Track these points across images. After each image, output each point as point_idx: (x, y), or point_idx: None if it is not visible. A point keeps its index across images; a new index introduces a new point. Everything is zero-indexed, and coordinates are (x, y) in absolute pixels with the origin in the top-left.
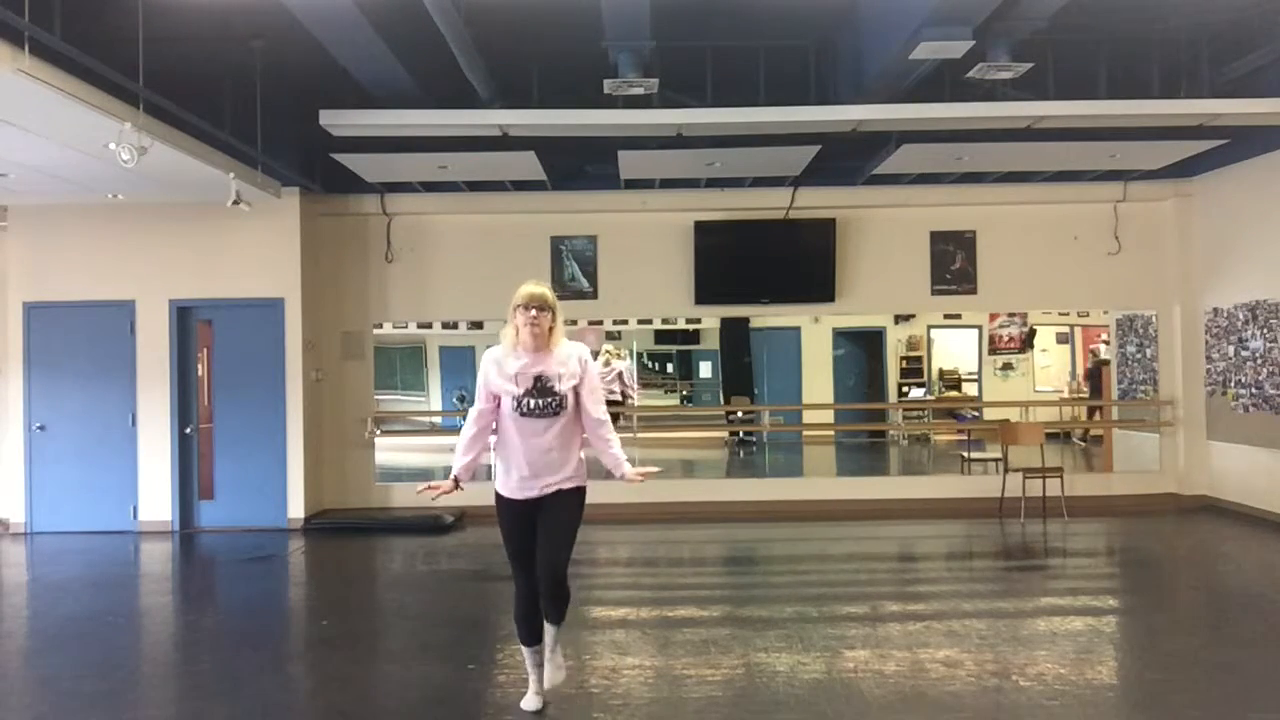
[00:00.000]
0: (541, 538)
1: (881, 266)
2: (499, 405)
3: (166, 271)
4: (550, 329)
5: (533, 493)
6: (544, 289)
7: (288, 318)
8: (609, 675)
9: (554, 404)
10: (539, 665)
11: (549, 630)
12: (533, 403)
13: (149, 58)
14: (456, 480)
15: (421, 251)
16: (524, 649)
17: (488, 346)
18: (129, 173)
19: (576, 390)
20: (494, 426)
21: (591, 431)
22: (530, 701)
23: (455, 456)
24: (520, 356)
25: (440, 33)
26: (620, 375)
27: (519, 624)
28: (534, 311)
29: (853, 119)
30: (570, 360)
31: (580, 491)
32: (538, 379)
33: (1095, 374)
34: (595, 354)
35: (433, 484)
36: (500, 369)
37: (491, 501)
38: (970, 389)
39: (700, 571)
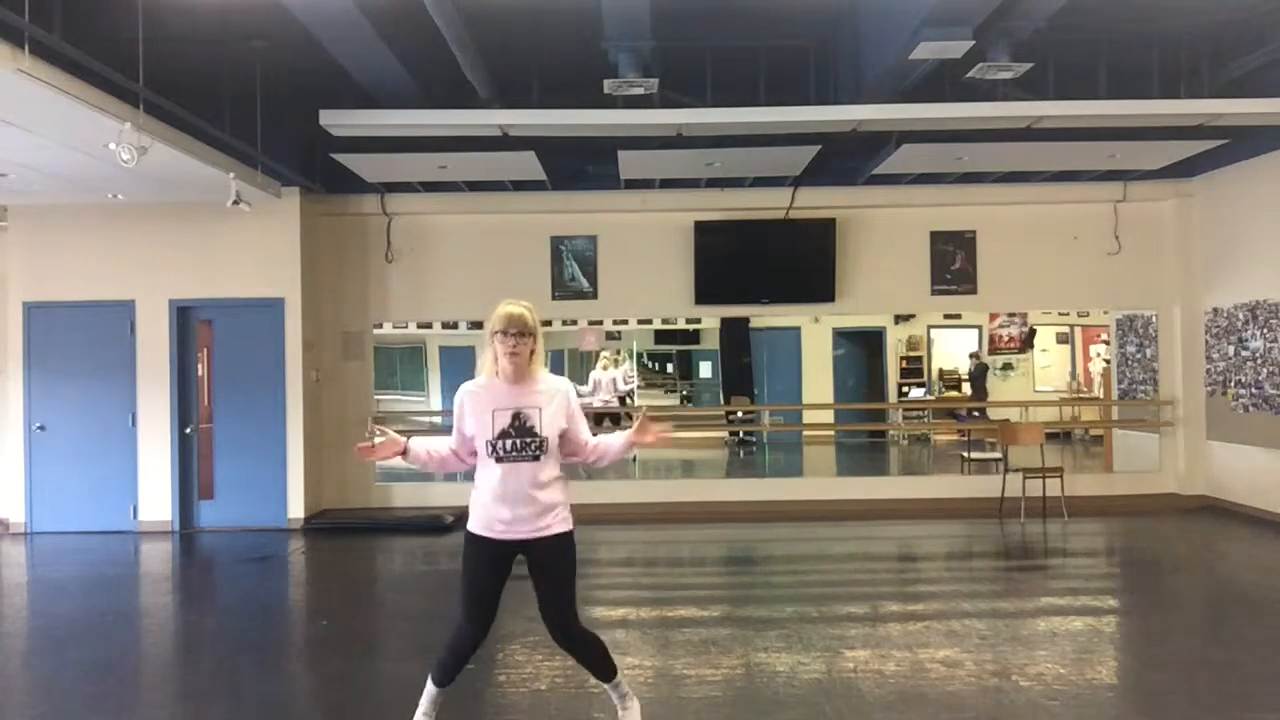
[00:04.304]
0: (546, 596)
1: (881, 266)
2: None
3: (166, 271)
4: (531, 353)
5: (516, 536)
6: (523, 309)
7: (288, 318)
8: None
9: (534, 446)
10: (434, 710)
11: (610, 689)
12: (509, 444)
13: (149, 58)
14: (407, 449)
15: (421, 251)
16: (429, 686)
17: (464, 385)
18: (129, 173)
19: (561, 433)
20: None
21: (584, 454)
22: None
23: (425, 441)
24: (497, 387)
25: (440, 33)
26: (615, 381)
27: (447, 656)
28: (513, 339)
29: (853, 119)
30: (554, 399)
31: (570, 535)
32: (516, 416)
33: (977, 377)
34: (596, 355)
35: (371, 443)
36: (476, 404)
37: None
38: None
39: (700, 571)
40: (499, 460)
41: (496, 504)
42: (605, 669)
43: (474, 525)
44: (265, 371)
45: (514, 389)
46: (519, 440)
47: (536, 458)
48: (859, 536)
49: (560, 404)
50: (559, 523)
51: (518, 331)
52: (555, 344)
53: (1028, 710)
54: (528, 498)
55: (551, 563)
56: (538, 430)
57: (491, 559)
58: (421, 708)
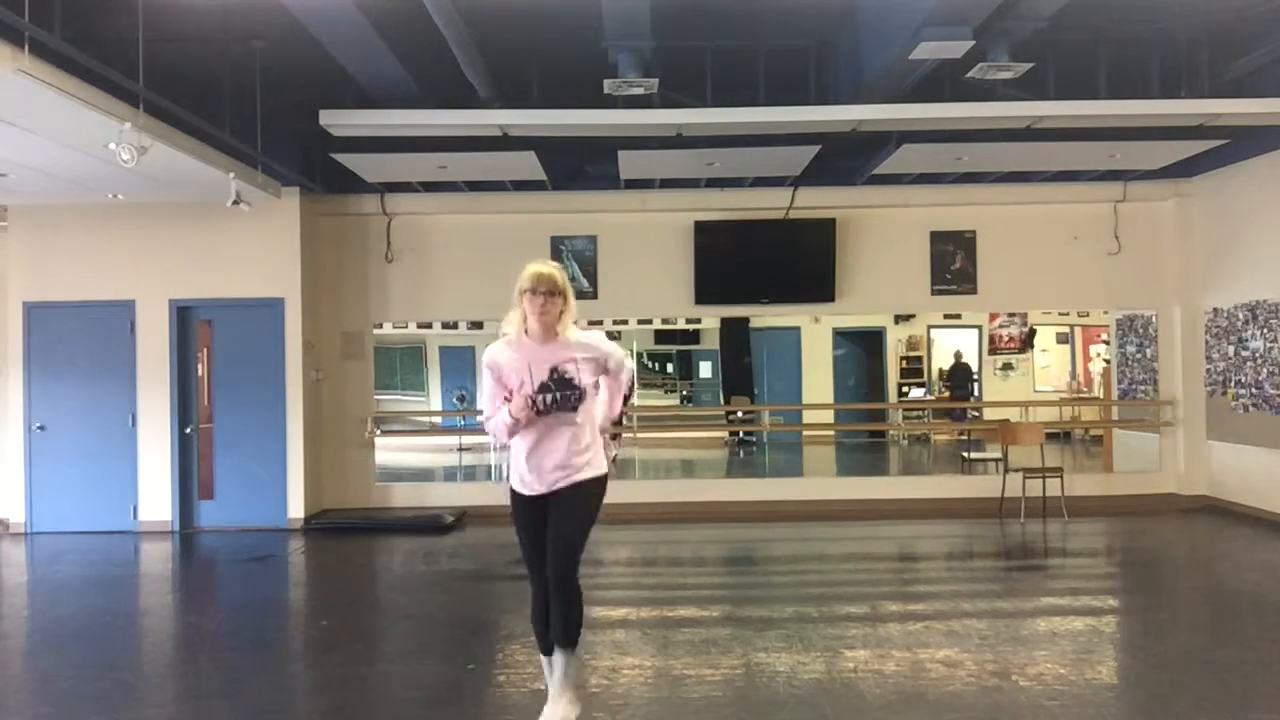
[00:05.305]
0: (552, 525)
1: (881, 266)
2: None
3: (166, 271)
4: (561, 313)
5: (554, 486)
6: (552, 269)
7: (288, 318)
8: (609, 675)
9: (574, 398)
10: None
11: (559, 658)
12: (549, 398)
13: (149, 58)
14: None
15: (421, 251)
16: (542, 659)
17: (488, 348)
18: (129, 173)
19: (597, 382)
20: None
21: (609, 389)
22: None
23: (497, 424)
24: (527, 347)
25: (440, 33)
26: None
27: (536, 628)
28: (542, 297)
29: (853, 119)
30: (588, 349)
31: (600, 481)
32: (554, 370)
33: (955, 374)
34: None
35: (521, 410)
36: (508, 364)
37: (492, 501)
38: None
39: (700, 571)
40: (540, 413)
41: (534, 459)
42: (572, 630)
43: (514, 483)
44: (265, 371)
45: (545, 347)
46: (559, 393)
47: (576, 408)
48: (859, 536)
49: (596, 361)
50: (590, 468)
51: (546, 290)
52: None
53: (1028, 710)
54: (565, 449)
55: (574, 497)
56: (576, 382)
57: (535, 511)
58: (549, 684)
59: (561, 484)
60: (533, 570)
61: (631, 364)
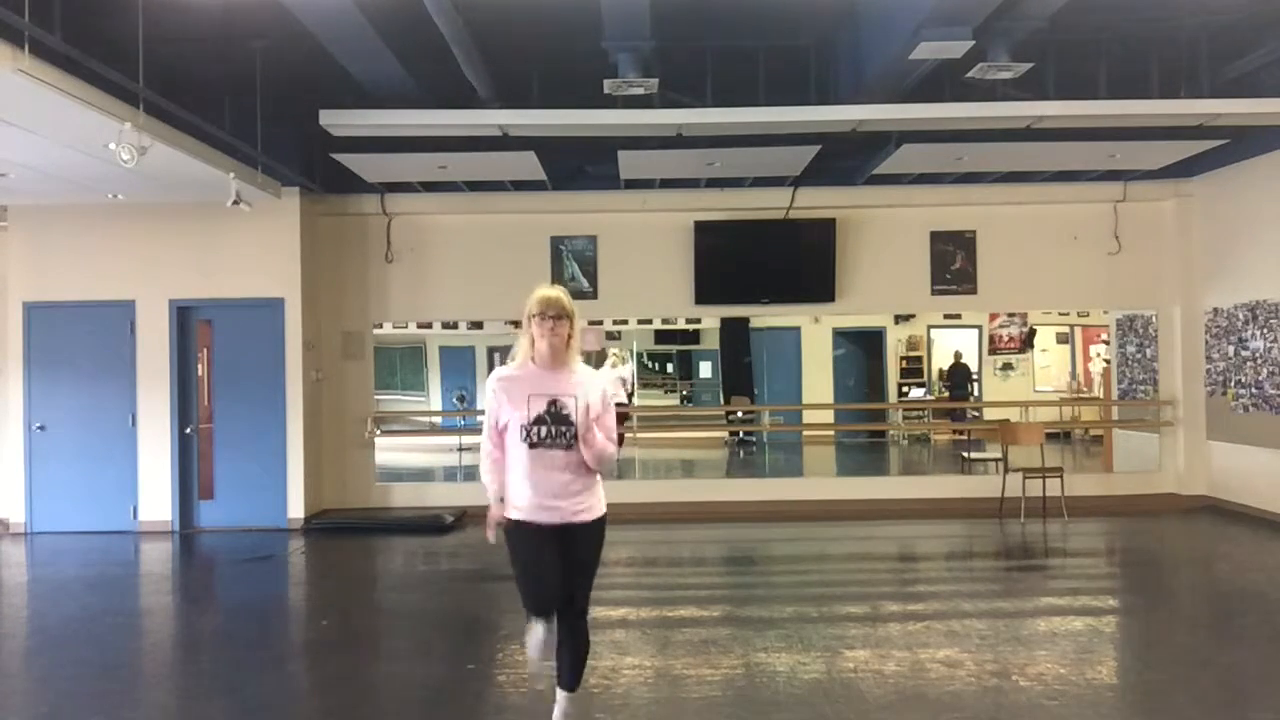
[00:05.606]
0: (568, 578)
1: (881, 266)
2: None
3: (166, 271)
4: (569, 338)
5: (554, 519)
6: (560, 293)
7: (288, 318)
8: (609, 675)
9: (568, 434)
10: (552, 644)
11: (562, 699)
12: (544, 431)
13: (149, 58)
14: (501, 500)
15: (421, 251)
16: (538, 622)
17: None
18: (129, 173)
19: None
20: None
21: (591, 444)
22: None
23: (487, 482)
24: (532, 373)
25: (440, 33)
26: (623, 380)
27: (545, 638)
28: (551, 321)
29: (853, 119)
30: (591, 389)
31: (603, 521)
32: (552, 403)
33: (954, 373)
34: (602, 353)
35: (489, 529)
36: (510, 391)
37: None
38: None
39: (700, 571)
40: (532, 446)
41: (530, 489)
42: (580, 670)
43: (511, 510)
44: (265, 371)
45: (550, 375)
46: (554, 427)
47: (570, 446)
48: (859, 536)
49: (596, 395)
50: (592, 508)
51: (555, 314)
52: None
53: (1028, 710)
54: (561, 484)
55: (583, 546)
56: (573, 418)
57: (535, 539)
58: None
59: (571, 521)
60: (533, 602)
61: (632, 366)
